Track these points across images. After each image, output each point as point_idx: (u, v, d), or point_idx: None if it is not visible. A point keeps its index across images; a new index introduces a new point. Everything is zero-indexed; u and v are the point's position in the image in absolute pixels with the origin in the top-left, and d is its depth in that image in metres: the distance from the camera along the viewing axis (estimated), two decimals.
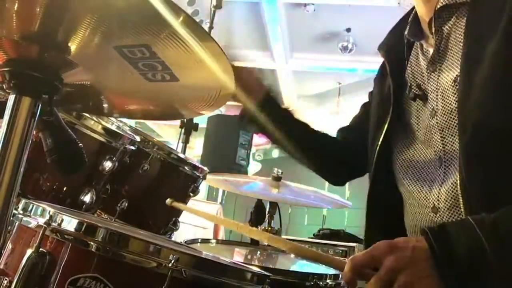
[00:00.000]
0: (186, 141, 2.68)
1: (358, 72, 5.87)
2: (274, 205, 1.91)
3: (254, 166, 7.23)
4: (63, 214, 0.77)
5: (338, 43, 5.21)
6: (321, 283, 1.25)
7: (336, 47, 5.24)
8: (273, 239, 0.91)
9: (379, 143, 1.09)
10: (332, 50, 5.37)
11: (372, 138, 1.14)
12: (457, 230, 0.73)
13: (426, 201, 1.00)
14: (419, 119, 1.04)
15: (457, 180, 0.88)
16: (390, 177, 1.09)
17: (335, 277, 1.30)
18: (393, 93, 1.08)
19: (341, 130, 1.41)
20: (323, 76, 6.28)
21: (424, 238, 0.73)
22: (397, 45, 1.13)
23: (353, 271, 0.73)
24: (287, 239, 3.01)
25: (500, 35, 0.83)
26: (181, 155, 1.62)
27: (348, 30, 5.11)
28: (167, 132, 8.74)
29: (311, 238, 3.21)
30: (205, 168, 1.64)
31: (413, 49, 1.11)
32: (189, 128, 2.70)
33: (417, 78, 1.06)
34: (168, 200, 1.22)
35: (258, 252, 1.71)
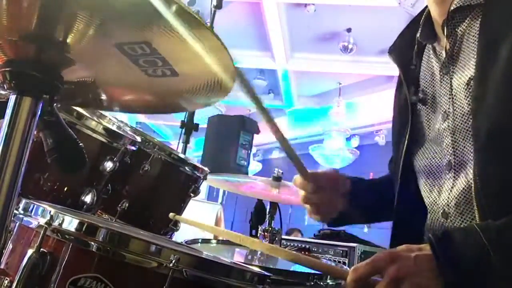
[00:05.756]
0: (186, 141, 2.68)
1: (359, 72, 5.88)
2: (274, 205, 1.90)
3: (254, 166, 7.23)
4: (64, 214, 0.77)
5: (338, 43, 5.21)
6: (321, 283, 1.25)
7: (336, 47, 5.24)
8: (275, 250, 0.92)
9: (403, 152, 1.07)
10: (333, 50, 5.37)
11: (396, 148, 1.12)
12: (462, 237, 0.72)
13: (436, 206, 0.99)
14: (431, 122, 1.03)
15: (470, 185, 0.87)
16: (416, 188, 1.07)
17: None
18: (409, 99, 1.07)
19: (391, 162, 1.31)
20: (323, 76, 6.28)
21: (429, 246, 0.72)
22: (409, 49, 1.10)
23: (356, 281, 0.73)
24: (287, 239, 3.00)
25: None
26: (182, 156, 1.62)
27: (349, 30, 5.11)
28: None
29: (312, 238, 3.21)
30: (206, 169, 1.64)
31: (425, 51, 1.09)
32: (189, 128, 2.70)
33: (429, 81, 1.05)
34: (171, 214, 1.24)
35: (259, 252, 1.71)
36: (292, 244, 2.86)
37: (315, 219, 1.19)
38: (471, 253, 0.70)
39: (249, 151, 5.01)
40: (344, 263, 2.58)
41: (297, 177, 1.14)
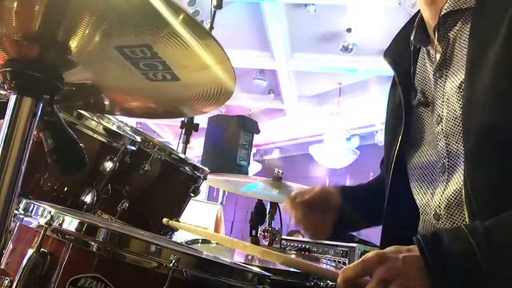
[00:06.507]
0: (186, 142, 2.69)
1: (359, 72, 5.87)
2: (274, 205, 1.90)
3: (254, 167, 7.24)
4: (64, 214, 0.77)
5: (338, 43, 5.21)
6: (321, 283, 1.25)
7: (336, 47, 5.24)
8: (267, 254, 0.93)
9: (395, 153, 1.08)
10: (333, 50, 5.37)
11: (388, 149, 1.13)
12: (450, 238, 0.73)
13: (429, 207, 0.99)
14: (426, 125, 1.03)
15: (460, 187, 0.88)
16: (407, 189, 1.08)
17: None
18: (403, 101, 1.07)
19: (383, 162, 1.32)
20: (323, 77, 6.28)
21: (417, 246, 0.73)
22: (404, 52, 1.11)
23: (345, 283, 0.74)
24: (287, 239, 2.99)
25: (502, 40, 0.82)
26: (182, 156, 1.62)
27: (349, 30, 5.11)
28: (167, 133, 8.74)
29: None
30: (206, 169, 1.64)
31: (420, 54, 1.09)
32: (189, 128, 2.70)
33: (424, 84, 1.05)
34: (164, 220, 1.26)
35: None
36: (292, 245, 2.86)
37: (311, 238, 1.22)
38: (458, 254, 0.70)
39: (249, 151, 5.01)
40: (344, 263, 2.57)
41: (286, 203, 1.18)
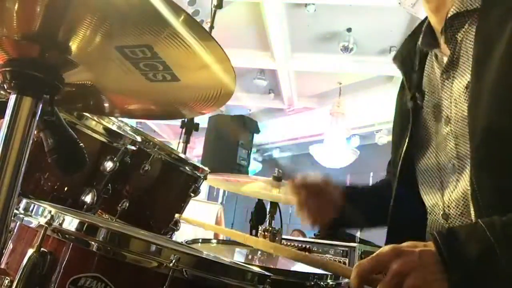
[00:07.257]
0: (186, 141, 2.69)
1: (359, 72, 5.87)
2: (274, 205, 1.90)
3: (254, 166, 7.24)
4: (64, 214, 0.77)
5: (338, 43, 5.21)
6: (321, 283, 1.25)
7: (336, 47, 5.24)
8: (280, 249, 0.94)
9: (402, 155, 1.08)
10: (333, 50, 5.37)
11: (395, 151, 1.14)
12: (467, 233, 0.72)
13: (437, 208, 1.00)
14: (433, 128, 1.04)
15: (467, 186, 0.88)
16: (413, 190, 1.08)
17: (336, 277, 1.30)
18: (411, 104, 1.08)
19: (389, 164, 1.32)
20: (323, 76, 6.28)
21: (433, 242, 0.72)
22: (412, 55, 1.12)
23: (359, 278, 0.72)
24: (288, 239, 2.99)
25: (507, 39, 0.82)
26: (182, 155, 1.62)
27: (349, 30, 5.11)
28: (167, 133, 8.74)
29: (312, 238, 3.21)
30: (206, 168, 1.64)
31: (428, 58, 1.10)
32: (189, 128, 2.70)
33: (432, 86, 1.06)
34: (176, 215, 1.33)
35: (259, 252, 1.71)
36: (292, 244, 2.86)
37: (308, 223, 1.22)
38: (475, 248, 0.69)
39: (249, 151, 5.02)
40: (344, 263, 2.57)
41: (290, 185, 1.21)
